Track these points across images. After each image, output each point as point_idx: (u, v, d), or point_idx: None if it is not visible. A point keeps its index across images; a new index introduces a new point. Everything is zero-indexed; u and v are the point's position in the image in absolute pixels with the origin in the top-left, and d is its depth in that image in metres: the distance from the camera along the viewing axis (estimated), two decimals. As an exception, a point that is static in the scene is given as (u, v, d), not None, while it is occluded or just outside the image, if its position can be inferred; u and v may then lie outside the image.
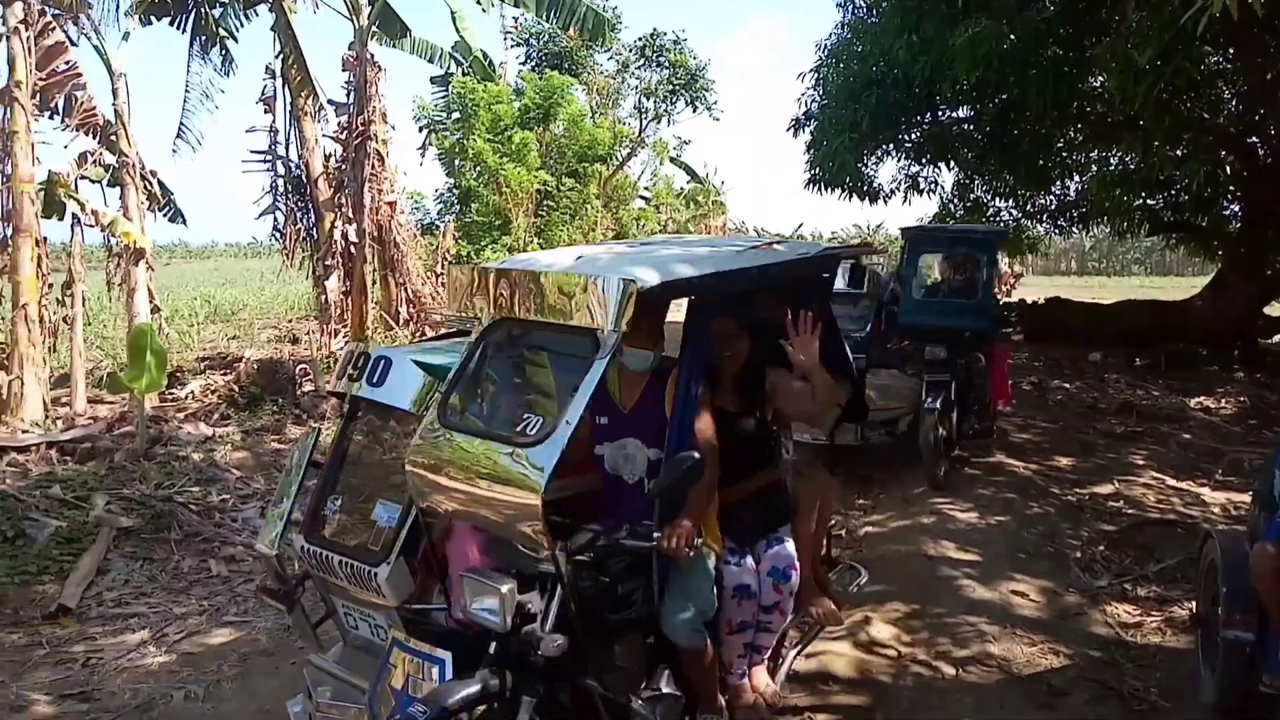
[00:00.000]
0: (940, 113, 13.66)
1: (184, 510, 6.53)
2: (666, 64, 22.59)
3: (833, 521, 4.12)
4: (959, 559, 5.50)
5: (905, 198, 14.90)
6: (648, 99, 23.15)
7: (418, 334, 11.90)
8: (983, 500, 6.55)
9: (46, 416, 8.22)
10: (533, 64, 21.17)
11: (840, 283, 8.22)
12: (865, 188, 14.10)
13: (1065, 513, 6.45)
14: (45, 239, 8.75)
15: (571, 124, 16.19)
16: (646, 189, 30.02)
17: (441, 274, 13.00)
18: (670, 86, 22.75)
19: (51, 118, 9.31)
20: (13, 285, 8.35)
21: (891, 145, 13.95)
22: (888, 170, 17.18)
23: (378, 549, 3.05)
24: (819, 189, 13.88)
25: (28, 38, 8.35)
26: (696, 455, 2.65)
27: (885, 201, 14.57)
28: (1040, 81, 10.27)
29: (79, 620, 5.24)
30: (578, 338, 2.66)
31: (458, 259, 13.99)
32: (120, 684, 4.43)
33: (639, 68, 22.85)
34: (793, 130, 14.09)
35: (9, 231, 8.41)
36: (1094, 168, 14.19)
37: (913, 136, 13.96)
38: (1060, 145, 13.95)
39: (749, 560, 3.14)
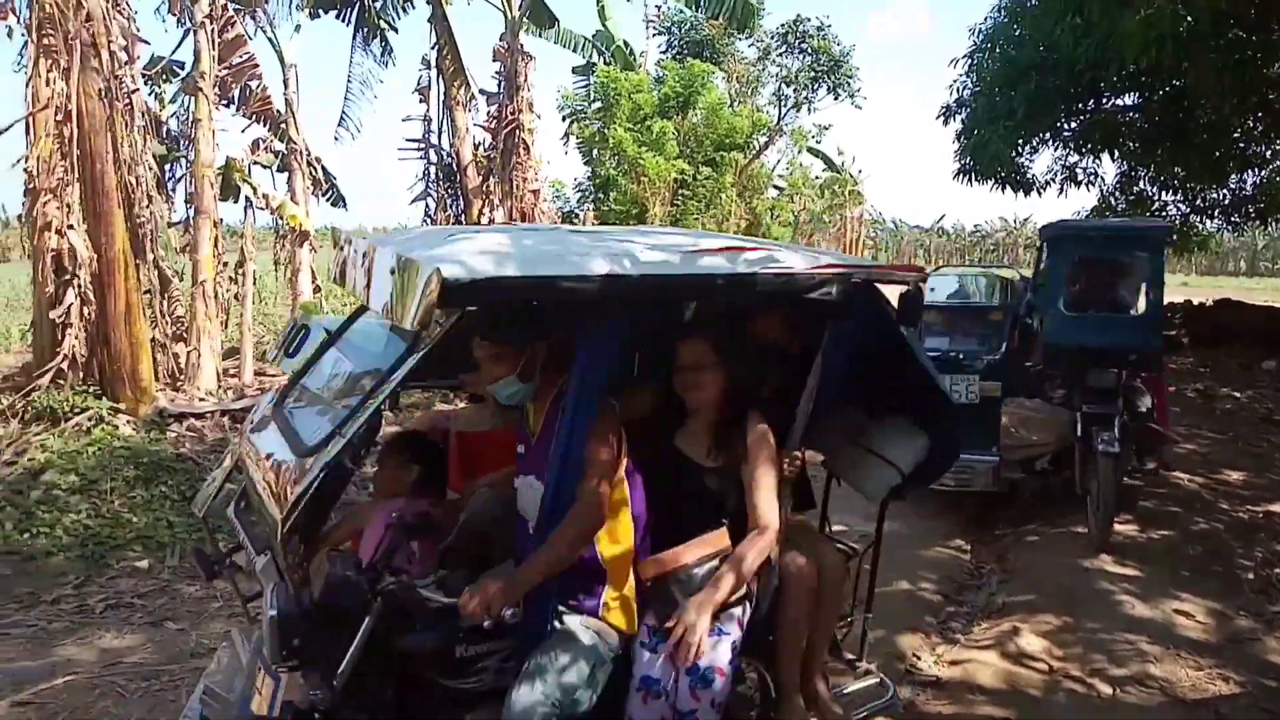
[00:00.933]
0: (1104, 100, 12.93)
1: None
2: (809, 50, 22.23)
3: (842, 612, 3.18)
4: (1117, 573, 5.21)
5: (1061, 190, 14.21)
6: (788, 86, 22.85)
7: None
8: (1144, 512, 6.18)
9: (219, 386, 8.87)
10: (673, 52, 21.24)
11: (973, 293, 7.36)
12: (1018, 179, 13.51)
13: (1235, 530, 6.01)
14: (221, 220, 9.42)
15: (710, 112, 16.14)
16: (781, 178, 29.67)
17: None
18: (812, 73, 22.37)
19: (229, 106, 9.98)
20: (193, 263, 9.04)
21: (1049, 134, 13.31)
22: (1043, 161, 16.29)
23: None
24: (969, 179, 13.39)
25: (212, 31, 8.99)
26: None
27: (1039, 193, 13.93)
28: (1218, 67, 9.56)
29: (248, 577, 5.62)
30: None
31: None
32: (287, 638, 4.72)
33: (780, 54, 22.57)
34: (943, 118, 13.63)
35: (191, 212, 9.11)
36: (1276, 160, 13.10)
37: (1072, 125, 13.27)
38: (1238, 135, 12.95)
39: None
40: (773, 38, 22.32)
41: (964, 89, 13.25)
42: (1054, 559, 5.49)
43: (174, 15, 7.93)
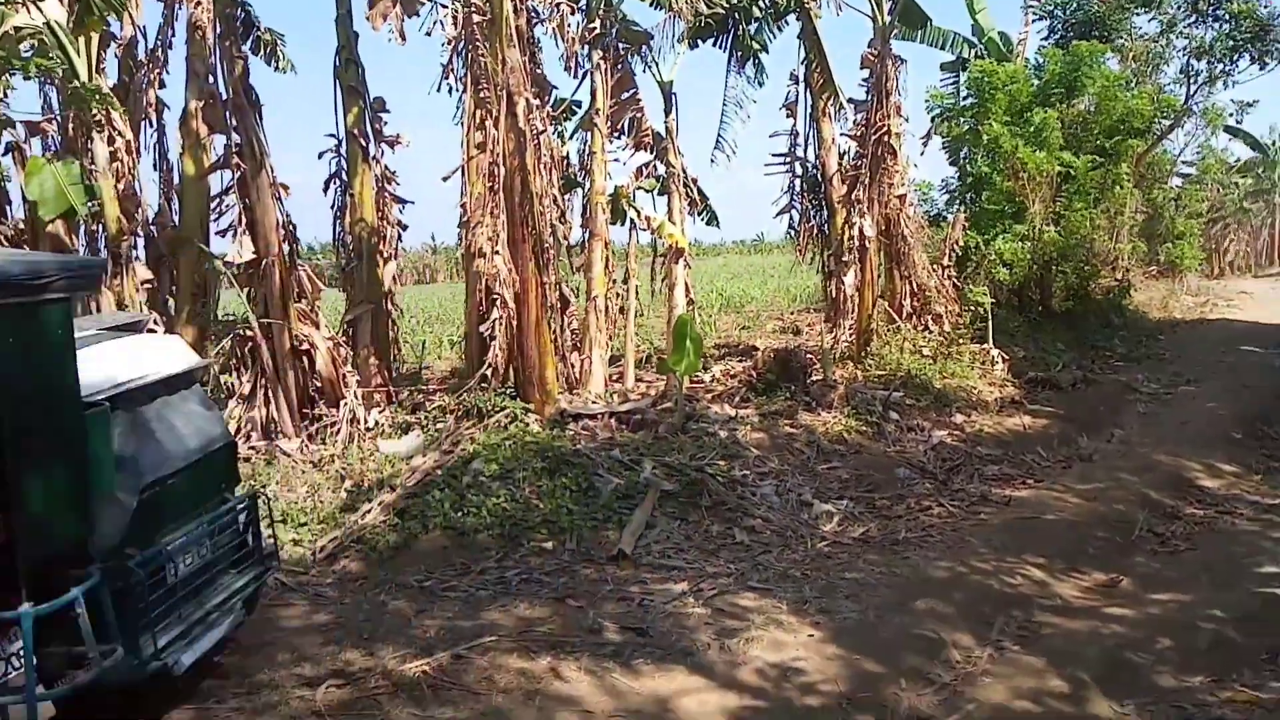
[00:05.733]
0: None
1: (712, 481, 7.31)
2: (1227, 16, 19.21)
3: None
4: None
5: None
6: (1199, 60, 19.93)
7: (921, 327, 11.79)
8: None
9: (607, 390, 9.80)
10: (1057, 36, 19.50)
11: None
12: None
13: None
14: (611, 241, 10.42)
15: (1102, 95, 14.56)
16: (1188, 164, 25.98)
17: (947, 266, 12.69)
18: (1231, 42, 19.30)
19: (618, 137, 10.98)
20: (587, 280, 10.09)
21: None
22: None
23: None
24: None
25: (605, 71, 9.98)
26: None
27: None
28: None
29: (634, 565, 6.18)
30: None
31: (965, 250, 13.52)
32: (668, 626, 5.12)
33: (1189, 25, 19.75)
34: None
35: (586, 235, 10.18)
36: None
37: None
38: None
39: None
40: (1178, 7, 19.60)
41: None
42: None
43: (567, 71, 8.98)
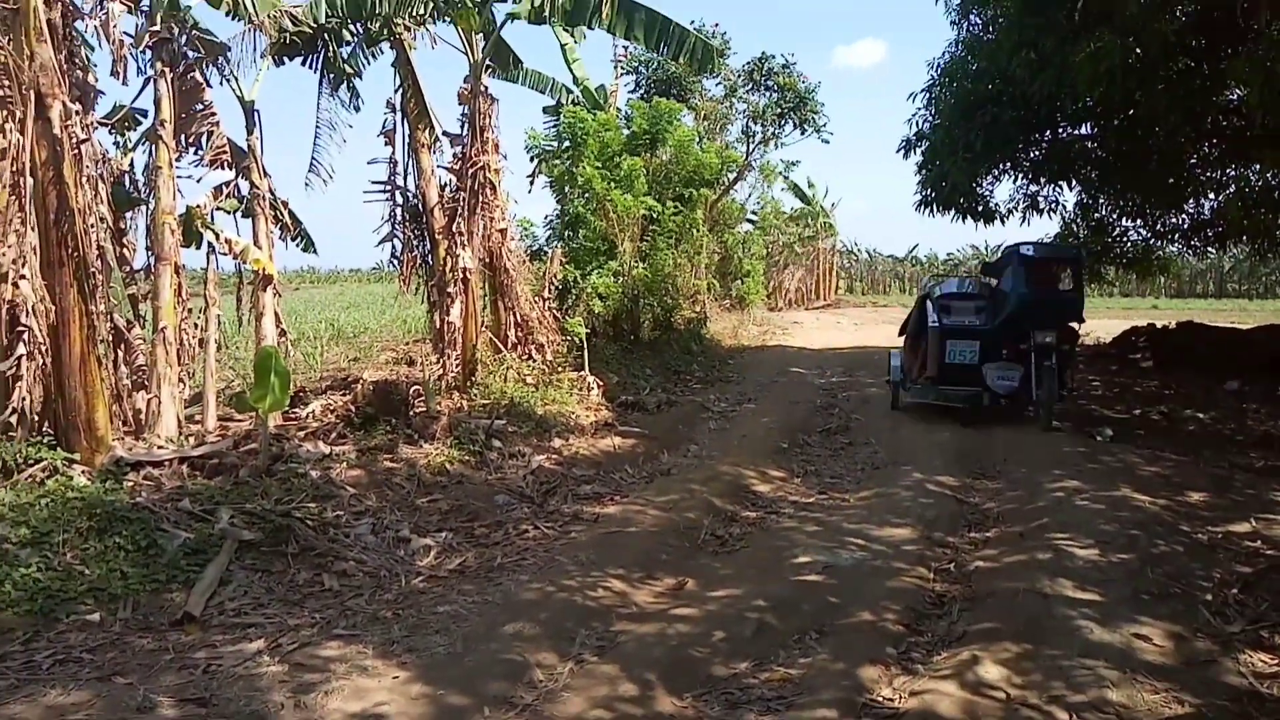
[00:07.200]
0: (1061, 130, 13.21)
1: (301, 525, 6.81)
2: (775, 87, 22.59)
3: None
4: (1077, 598, 5.21)
5: (1024, 218, 14.43)
6: (755, 122, 23.18)
7: (525, 356, 12.15)
8: (1105, 536, 6.21)
9: (180, 433, 8.76)
10: (642, 91, 21.50)
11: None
12: (980, 208, 13.71)
13: (1195, 552, 6.04)
14: (184, 266, 9.37)
15: (679, 149, 16.30)
16: (754, 212, 29.92)
17: (548, 298, 13.26)
18: (779, 110, 22.71)
19: (194, 152, 9.96)
20: (153, 310, 8.97)
21: (1008, 164, 13.55)
22: (1005, 190, 16.45)
23: None
24: (931, 210, 13.58)
25: (171, 79, 9.01)
26: None
27: (1002, 222, 14.17)
28: (1170, 97, 9.80)
29: (202, 628, 5.53)
30: None
31: (566, 283, 14.25)
32: (236, 691, 4.63)
33: (747, 91, 22.92)
34: (903, 151, 13.85)
35: (151, 259, 9.06)
36: (1231, 185, 13.38)
37: (1031, 155, 13.54)
38: (1193, 162, 13.24)
39: None
40: (739, 76, 22.69)
41: (923, 122, 13.49)
42: (1016, 585, 5.48)
43: (115, 76, 7.95)
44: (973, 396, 10.34)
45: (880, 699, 4.33)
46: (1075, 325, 10.31)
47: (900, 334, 11.94)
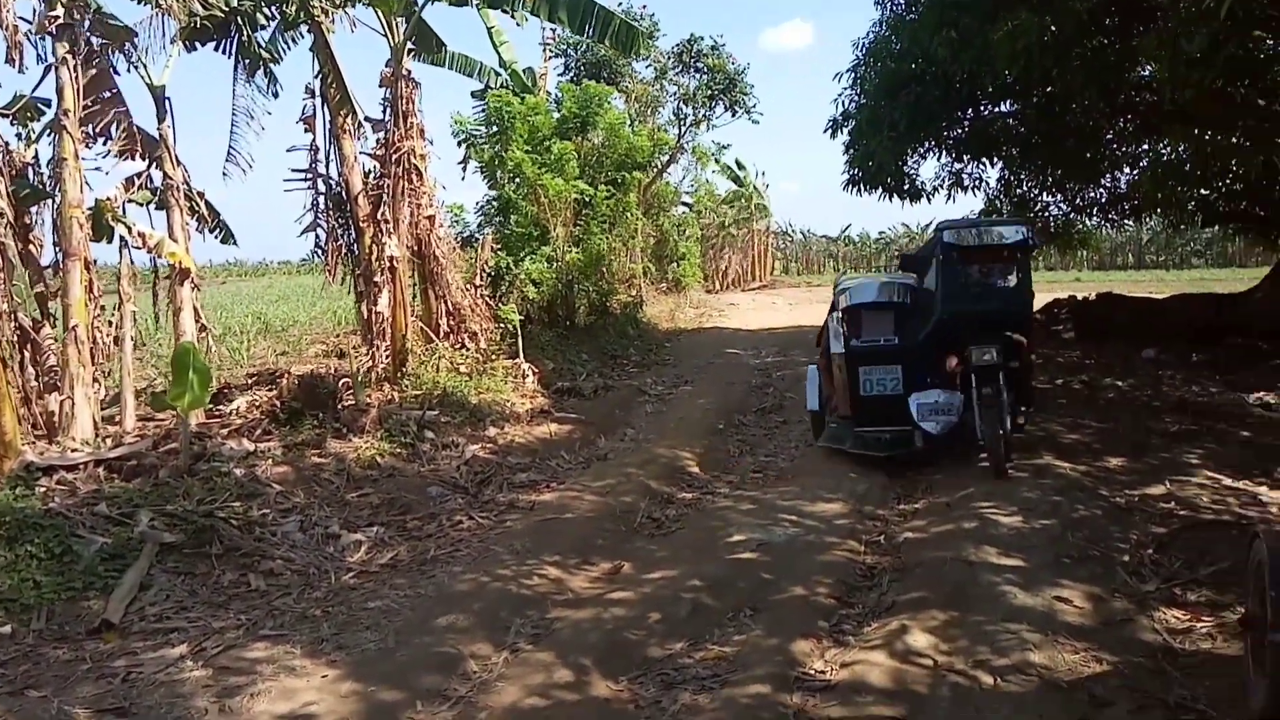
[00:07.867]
0: (982, 108, 13.45)
1: (225, 525, 6.62)
2: (705, 69, 22.60)
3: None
4: (1001, 564, 5.34)
5: (949, 195, 14.68)
6: (686, 105, 23.19)
7: (458, 345, 11.98)
8: (1028, 504, 6.37)
9: (97, 435, 8.42)
10: (571, 74, 21.31)
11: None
12: (906, 186, 13.90)
13: (1113, 515, 6.24)
14: (95, 262, 8.98)
15: (610, 132, 16.20)
16: (688, 195, 29.98)
17: (480, 285, 13.09)
18: (709, 91, 22.74)
19: (101, 142, 9.55)
20: (63, 308, 8.59)
21: (933, 142, 13.76)
22: (930, 168, 16.76)
23: None
24: (858, 189, 13.73)
25: (74, 67, 8.61)
26: None
27: (928, 200, 14.39)
28: (1085, 73, 10.03)
29: (122, 635, 5.34)
30: None
31: (498, 270, 14.08)
32: (158, 698, 4.49)
33: (677, 74, 22.90)
34: (830, 131, 13.96)
35: (59, 256, 8.67)
36: (1145, 159, 13.80)
37: (955, 133, 13.76)
38: (1109, 137, 13.62)
39: None
40: (669, 58, 22.64)
41: (849, 101, 13.61)
42: (943, 554, 5.60)
43: (10, 63, 7.53)
44: (900, 438, 7.79)
45: (812, 671, 4.39)
46: (1022, 337, 7.46)
47: (817, 345, 9.08)
